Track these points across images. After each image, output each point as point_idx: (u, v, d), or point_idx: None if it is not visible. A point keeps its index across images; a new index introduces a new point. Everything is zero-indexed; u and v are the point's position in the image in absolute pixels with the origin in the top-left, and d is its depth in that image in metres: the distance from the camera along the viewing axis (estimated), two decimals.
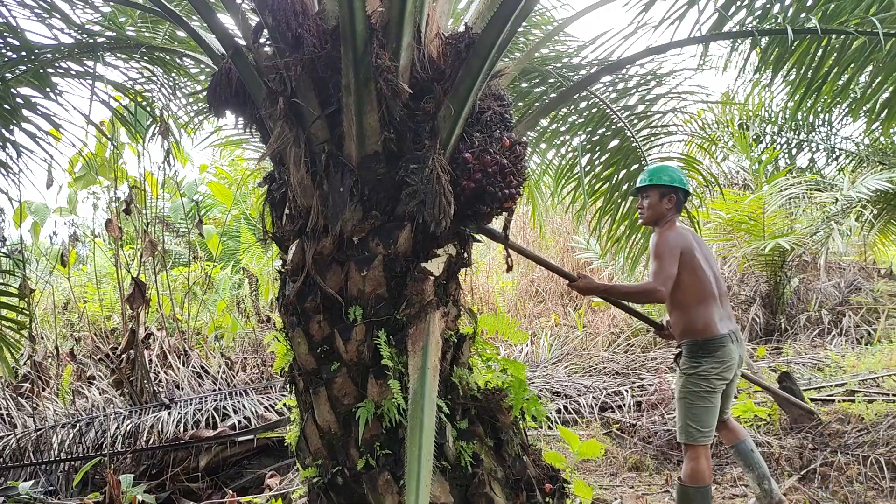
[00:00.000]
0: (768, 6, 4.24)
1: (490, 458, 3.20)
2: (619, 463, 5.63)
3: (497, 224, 3.44)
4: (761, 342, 9.23)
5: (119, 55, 4.84)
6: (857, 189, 8.27)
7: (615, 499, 4.66)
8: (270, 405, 5.98)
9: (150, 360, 6.52)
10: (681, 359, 3.96)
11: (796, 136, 10.94)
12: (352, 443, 3.03)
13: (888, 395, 6.19)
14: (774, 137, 11.23)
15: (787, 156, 11.28)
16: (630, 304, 4.63)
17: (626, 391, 6.88)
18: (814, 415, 5.57)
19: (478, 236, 3.49)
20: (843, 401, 6.17)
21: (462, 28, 3.15)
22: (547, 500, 3.34)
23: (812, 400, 6.03)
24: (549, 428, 6.15)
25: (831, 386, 6.70)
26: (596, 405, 6.68)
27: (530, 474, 3.32)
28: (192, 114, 5.75)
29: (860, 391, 6.40)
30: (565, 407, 6.65)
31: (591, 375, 7.77)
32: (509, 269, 3.59)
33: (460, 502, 3.02)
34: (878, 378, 6.72)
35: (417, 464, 2.44)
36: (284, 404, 4.75)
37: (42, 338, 7.85)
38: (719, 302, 3.95)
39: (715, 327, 3.84)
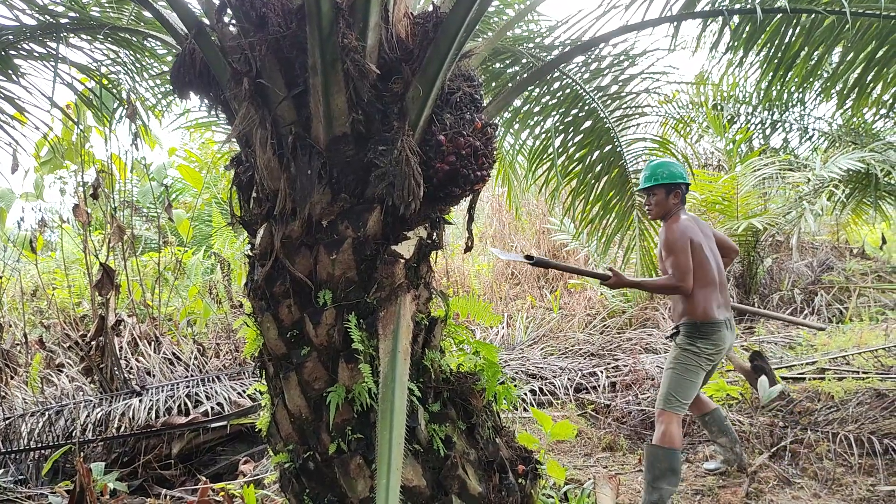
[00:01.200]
0: None
1: (462, 440, 3.19)
2: (594, 443, 5.65)
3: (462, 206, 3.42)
4: (734, 321, 9.30)
5: (83, 36, 4.73)
6: (829, 169, 8.32)
7: (588, 478, 4.68)
8: (243, 391, 5.93)
9: (121, 347, 6.45)
10: (678, 336, 4.21)
11: (770, 117, 10.98)
12: (323, 427, 3.00)
13: (858, 372, 6.27)
14: (748, 118, 11.26)
15: (760, 136, 11.33)
16: (573, 266, 4.91)
17: (601, 372, 6.91)
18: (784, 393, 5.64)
19: (450, 220, 3.47)
20: (814, 379, 6.24)
21: (430, 7, 3.11)
22: (520, 481, 3.35)
23: (783, 378, 6.09)
24: (524, 410, 6.16)
25: (802, 364, 6.77)
26: (571, 386, 6.71)
27: (503, 456, 3.32)
28: (159, 96, 5.65)
29: (830, 369, 6.47)
30: (540, 389, 6.67)
31: (566, 357, 7.80)
32: (468, 249, 3.63)
33: (433, 485, 3.02)
34: (848, 356, 6.80)
35: (389, 447, 2.42)
36: (256, 389, 4.72)
37: (10, 325, 7.74)
38: (718, 289, 4.20)
39: (713, 312, 4.12)
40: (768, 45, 4.55)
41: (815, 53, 4.54)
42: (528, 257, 4.11)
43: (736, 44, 4.61)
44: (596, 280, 4.37)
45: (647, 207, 4.43)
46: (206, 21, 3.16)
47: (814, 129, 10.80)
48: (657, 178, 4.27)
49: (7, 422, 5.56)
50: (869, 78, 4.55)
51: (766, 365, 5.71)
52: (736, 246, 4.74)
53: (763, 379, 5.03)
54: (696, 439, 5.50)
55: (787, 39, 4.45)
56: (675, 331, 4.29)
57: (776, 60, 4.57)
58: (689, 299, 4.10)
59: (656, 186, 4.28)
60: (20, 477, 5.28)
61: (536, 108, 5.60)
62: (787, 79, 4.79)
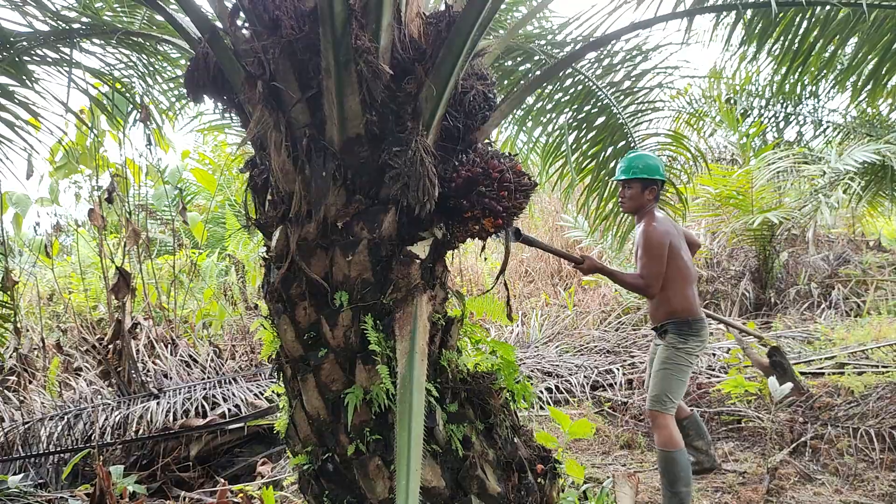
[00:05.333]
0: None
1: (481, 440, 3.18)
2: (611, 441, 5.63)
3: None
4: (751, 317, 9.25)
5: (96, 41, 4.75)
6: (845, 161, 8.24)
7: (607, 477, 4.66)
8: (260, 392, 5.95)
9: (138, 350, 6.48)
10: (666, 335, 4.15)
11: (783, 110, 10.88)
12: (341, 429, 3.00)
13: (877, 366, 6.21)
14: (762, 111, 11.17)
15: (774, 129, 11.24)
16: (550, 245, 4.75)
17: (618, 369, 6.88)
18: (802, 389, 5.60)
19: None
20: (833, 374, 6.19)
21: (442, 6, 3.10)
22: (539, 480, 3.33)
23: (802, 373, 6.05)
24: (541, 408, 6.15)
25: (821, 359, 6.72)
26: (587, 384, 6.69)
27: (522, 455, 3.31)
28: (172, 99, 5.67)
29: (850, 363, 6.42)
30: (557, 387, 6.65)
31: (582, 354, 7.78)
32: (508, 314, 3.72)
33: (452, 485, 3.01)
34: (867, 350, 6.75)
35: (407, 448, 2.42)
36: (273, 391, 4.73)
37: (27, 330, 7.78)
38: (694, 285, 4.24)
39: (697, 309, 4.16)
40: (782, 38, 4.52)
41: (830, 46, 4.50)
42: (517, 232, 3.90)
43: (749, 37, 4.58)
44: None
45: (620, 199, 4.39)
46: (219, 24, 3.16)
47: (828, 122, 10.70)
48: (634, 172, 4.21)
49: (26, 426, 5.60)
50: (885, 70, 4.51)
51: (784, 360, 5.65)
52: (699, 241, 4.77)
53: (772, 380, 4.98)
54: (715, 436, 5.47)
55: (801, 32, 4.42)
56: (662, 329, 4.22)
57: (790, 53, 4.54)
58: (675, 299, 4.10)
59: (633, 180, 4.23)
60: (40, 481, 5.31)
61: (549, 106, 5.59)
62: (801, 71, 4.76)
